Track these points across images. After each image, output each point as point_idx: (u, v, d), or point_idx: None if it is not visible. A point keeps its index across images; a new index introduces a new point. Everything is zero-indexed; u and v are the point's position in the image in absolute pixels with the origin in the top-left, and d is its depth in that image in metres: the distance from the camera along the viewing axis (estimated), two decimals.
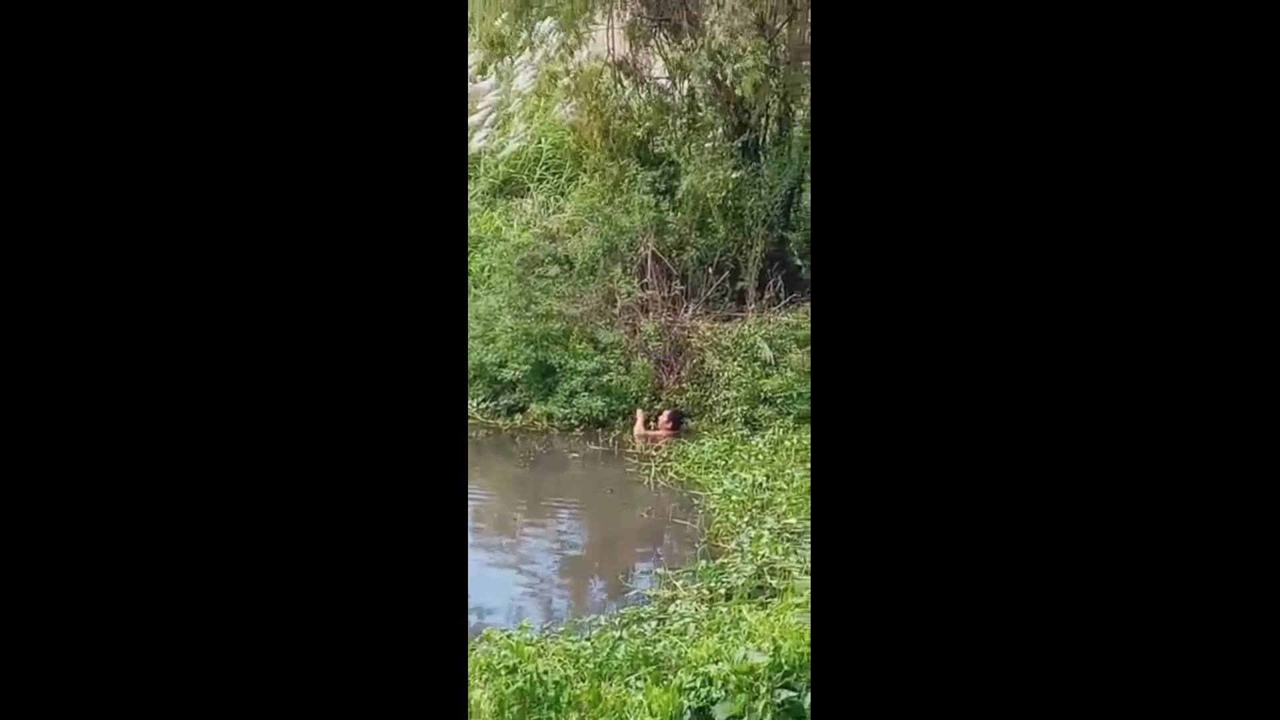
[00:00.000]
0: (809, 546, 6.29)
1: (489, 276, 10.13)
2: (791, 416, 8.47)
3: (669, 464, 8.06)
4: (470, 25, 12.41)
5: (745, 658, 4.52)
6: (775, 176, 9.54)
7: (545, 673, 4.79)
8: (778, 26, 9.40)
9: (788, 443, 8.14)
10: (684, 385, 9.03)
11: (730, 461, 7.96)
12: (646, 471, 7.96)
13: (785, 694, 4.34)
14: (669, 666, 4.93)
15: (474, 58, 12.07)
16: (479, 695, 4.67)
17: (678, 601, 5.89)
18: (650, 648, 5.14)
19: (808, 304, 9.33)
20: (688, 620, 5.54)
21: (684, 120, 9.80)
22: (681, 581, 6.15)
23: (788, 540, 6.50)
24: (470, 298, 9.59)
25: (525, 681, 4.66)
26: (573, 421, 8.88)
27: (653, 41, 9.92)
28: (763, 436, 8.32)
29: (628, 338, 9.24)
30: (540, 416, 8.94)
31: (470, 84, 12.61)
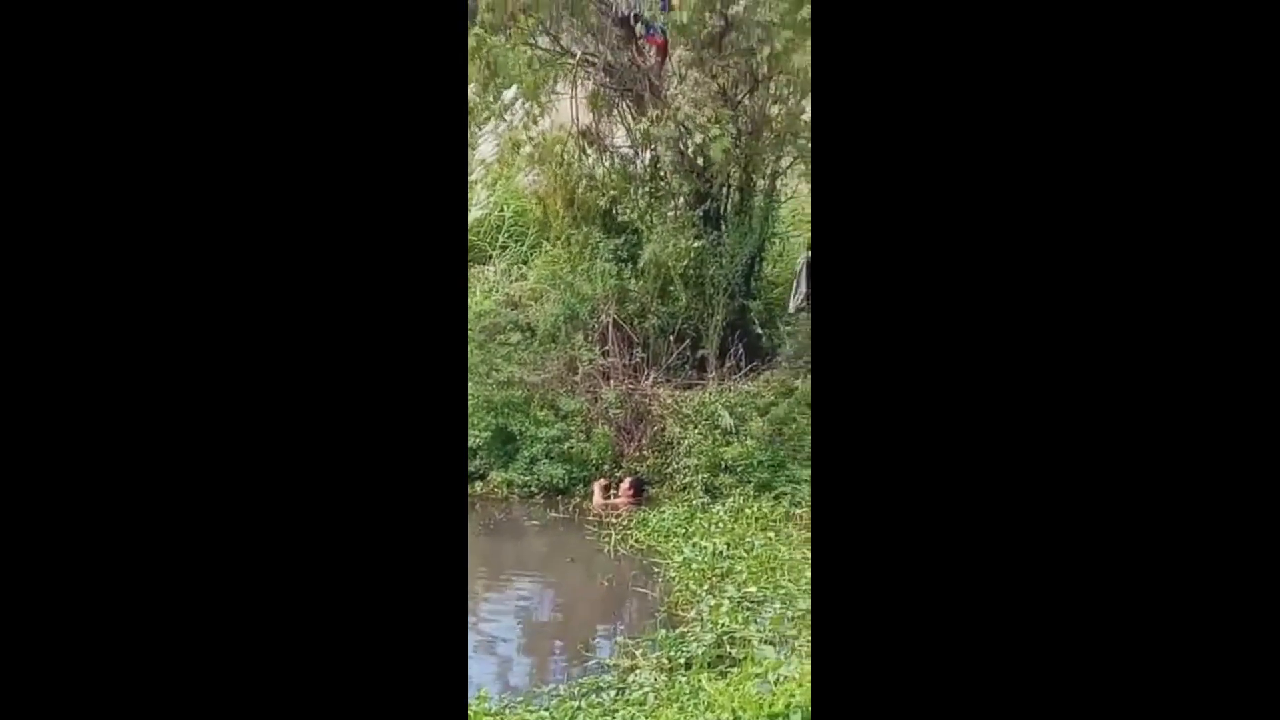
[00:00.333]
0: (769, 615, 6.28)
1: None
2: (752, 485, 8.46)
3: (629, 532, 8.03)
4: None
5: None
6: (736, 245, 9.61)
7: None
8: (739, 98, 9.51)
9: (748, 511, 8.13)
10: (645, 453, 9.02)
11: (690, 529, 7.93)
12: (607, 539, 7.92)
13: None
14: None
15: None
16: None
17: (637, 670, 5.84)
18: (609, 718, 5.09)
19: (768, 372, 9.38)
20: (647, 690, 5.50)
21: (647, 189, 9.87)
22: (641, 650, 6.11)
23: (747, 609, 6.48)
24: None
25: None
26: (533, 489, 8.84)
27: (615, 111, 10.00)
28: (723, 504, 8.30)
29: (589, 405, 9.23)
30: (500, 484, 8.89)
31: None
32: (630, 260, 9.79)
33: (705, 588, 6.89)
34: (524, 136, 9.72)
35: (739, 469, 8.60)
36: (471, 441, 8.93)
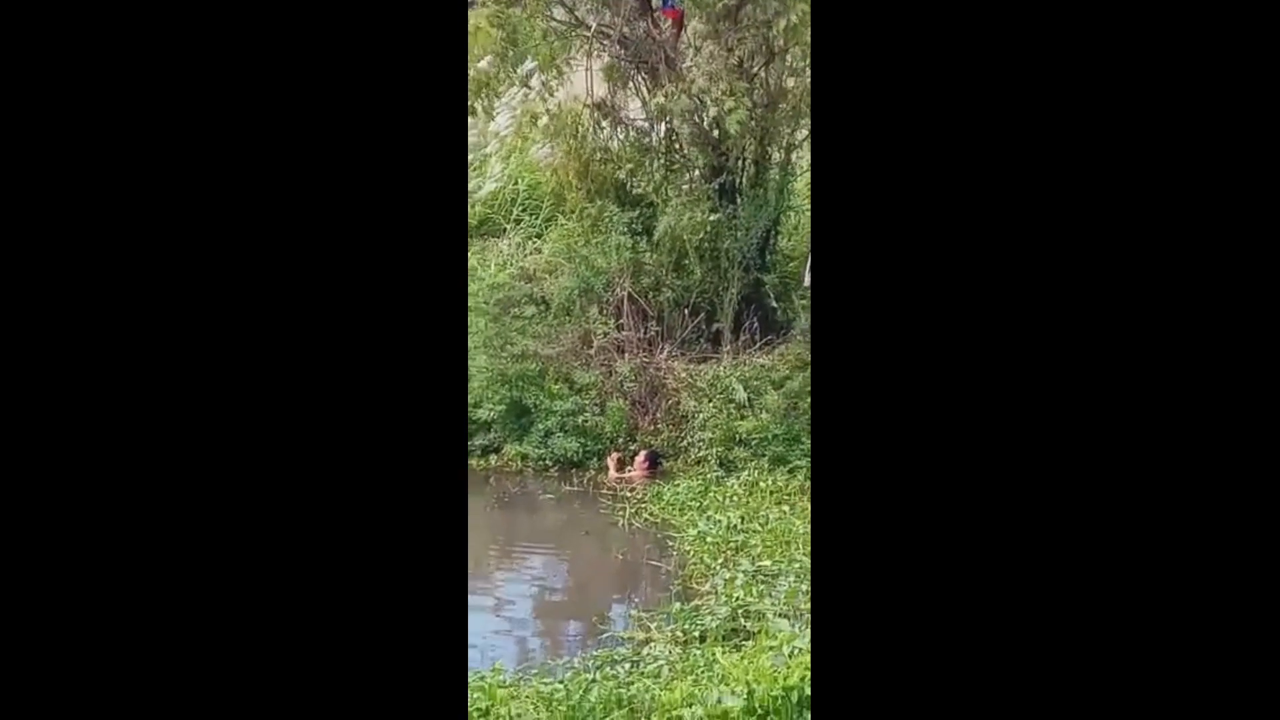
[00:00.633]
0: (783, 589, 6.28)
1: None
2: (766, 458, 8.47)
3: (644, 505, 8.04)
4: None
5: (719, 701, 4.49)
6: (751, 218, 9.58)
7: (518, 715, 4.77)
8: (755, 70, 9.47)
9: (762, 484, 8.13)
10: (659, 426, 9.02)
11: (705, 503, 7.94)
12: (621, 513, 7.94)
13: None
14: (642, 710, 4.89)
15: None
16: None
17: (652, 644, 5.86)
18: (624, 690, 5.10)
19: (783, 346, 9.36)
20: (661, 663, 5.50)
21: (661, 162, 9.84)
22: (656, 624, 6.12)
23: (762, 582, 6.48)
24: None
25: None
26: (547, 462, 8.85)
27: (630, 84, 9.97)
28: (737, 478, 8.31)
29: (603, 378, 9.23)
30: (515, 457, 8.91)
31: None
32: (645, 233, 9.76)
33: (720, 561, 6.89)
34: (541, 109, 9.70)
35: (753, 442, 8.60)
36: (486, 415, 8.94)
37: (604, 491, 8.44)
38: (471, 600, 6.88)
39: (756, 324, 9.53)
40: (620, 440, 8.96)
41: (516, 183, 12.11)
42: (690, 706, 4.60)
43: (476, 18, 9.00)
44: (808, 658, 4.68)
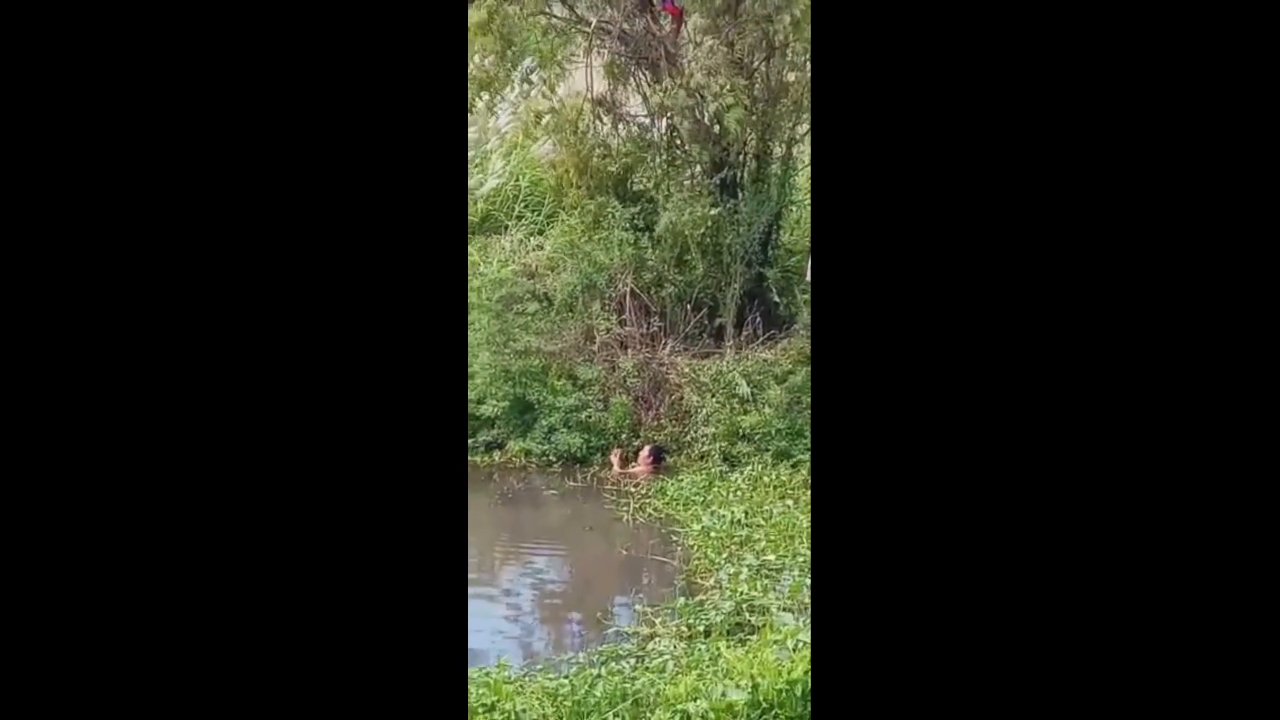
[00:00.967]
0: (787, 583, 6.29)
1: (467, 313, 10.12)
2: (769, 453, 8.48)
3: (647, 500, 8.05)
4: None
5: (724, 695, 4.50)
6: (753, 213, 9.58)
7: (523, 711, 4.77)
8: (755, 65, 9.46)
9: (766, 479, 8.14)
10: (662, 422, 9.03)
11: (709, 498, 7.95)
12: (625, 508, 7.95)
13: None
14: (647, 704, 4.90)
15: None
16: None
17: (656, 639, 5.86)
18: (629, 685, 5.11)
19: (785, 341, 9.36)
20: (666, 658, 5.51)
21: (663, 158, 9.84)
22: (660, 619, 6.13)
23: (766, 577, 6.50)
24: None
25: None
26: (551, 458, 8.86)
27: (631, 80, 9.97)
28: (741, 473, 8.32)
29: (606, 374, 9.24)
30: (518, 453, 8.92)
31: None
32: (647, 229, 9.77)
33: (724, 556, 6.90)
34: (543, 106, 9.70)
35: (757, 437, 8.61)
36: (489, 411, 8.95)
37: (608, 487, 8.45)
38: (476, 597, 6.91)
39: (759, 319, 9.53)
40: (624, 436, 8.97)
41: (518, 179, 12.12)
42: (695, 701, 4.60)
43: (475, 15, 9.01)
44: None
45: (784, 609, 5.93)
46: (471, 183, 12.38)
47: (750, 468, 8.36)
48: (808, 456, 8.25)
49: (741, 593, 6.24)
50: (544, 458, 8.87)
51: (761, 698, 4.43)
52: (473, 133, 12.67)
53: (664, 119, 9.77)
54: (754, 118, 9.33)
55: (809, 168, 10.22)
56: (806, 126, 9.78)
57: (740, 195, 9.70)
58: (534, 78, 9.90)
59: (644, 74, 9.82)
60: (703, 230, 9.44)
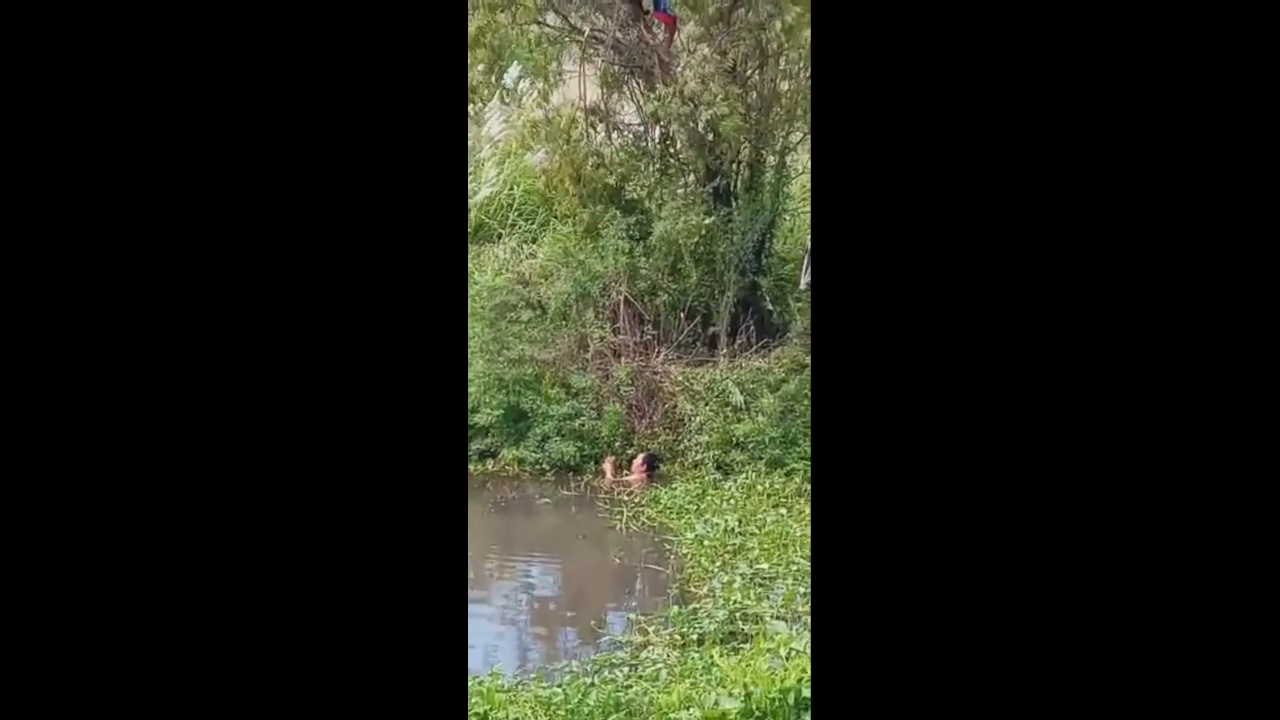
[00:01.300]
0: (780, 592, 6.29)
1: None
2: (763, 461, 8.48)
3: (641, 509, 8.04)
4: None
5: (717, 704, 4.51)
6: (747, 222, 9.58)
7: None
8: (748, 73, 9.48)
9: (759, 487, 8.14)
10: (656, 430, 9.03)
11: (702, 506, 7.95)
12: (619, 517, 7.94)
13: None
14: (641, 713, 4.90)
15: None
16: None
17: (650, 647, 5.87)
18: (622, 694, 5.11)
19: (779, 349, 9.36)
20: (660, 666, 5.52)
21: (656, 166, 9.85)
22: (654, 627, 6.13)
23: (760, 585, 6.50)
24: None
25: None
26: (544, 466, 8.85)
27: (625, 88, 9.98)
28: (734, 481, 8.32)
29: (600, 382, 9.23)
30: (512, 461, 8.91)
31: None
32: (641, 237, 9.77)
33: (717, 564, 6.90)
34: (536, 114, 9.71)
35: (750, 445, 8.61)
36: (483, 419, 8.95)
37: (601, 496, 8.45)
38: (469, 605, 6.90)
39: (752, 327, 9.54)
40: (617, 444, 8.97)
41: (511, 188, 12.13)
42: (688, 709, 4.61)
43: (469, 26, 9.01)
44: (805, 660, 4.69)
45: (777, 617, 5.93)
46: None
47: (744, 476, 8.36)
48: (801, 465, 8.26)
49: (735, 601, 6.24)
50: (537, 466, 8.86)
51: (755, 706, 4.44)
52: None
53: (657, 127, 9.77)
54: (747, 126, 9.34)
55: (802, 176, 10.26)
56: (800, 135, 9.80)
57: (734, 204, 9.71)
58: (521, 86, 9.90)
59: (637, 82, 9.83)
60: (697, 239, 9.44)
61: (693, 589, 6.68)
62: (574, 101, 9.96)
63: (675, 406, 9.07)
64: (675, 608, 6.29)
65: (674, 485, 8.40)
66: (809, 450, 8.32)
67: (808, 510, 7.54)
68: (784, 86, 9.61)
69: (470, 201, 12.11)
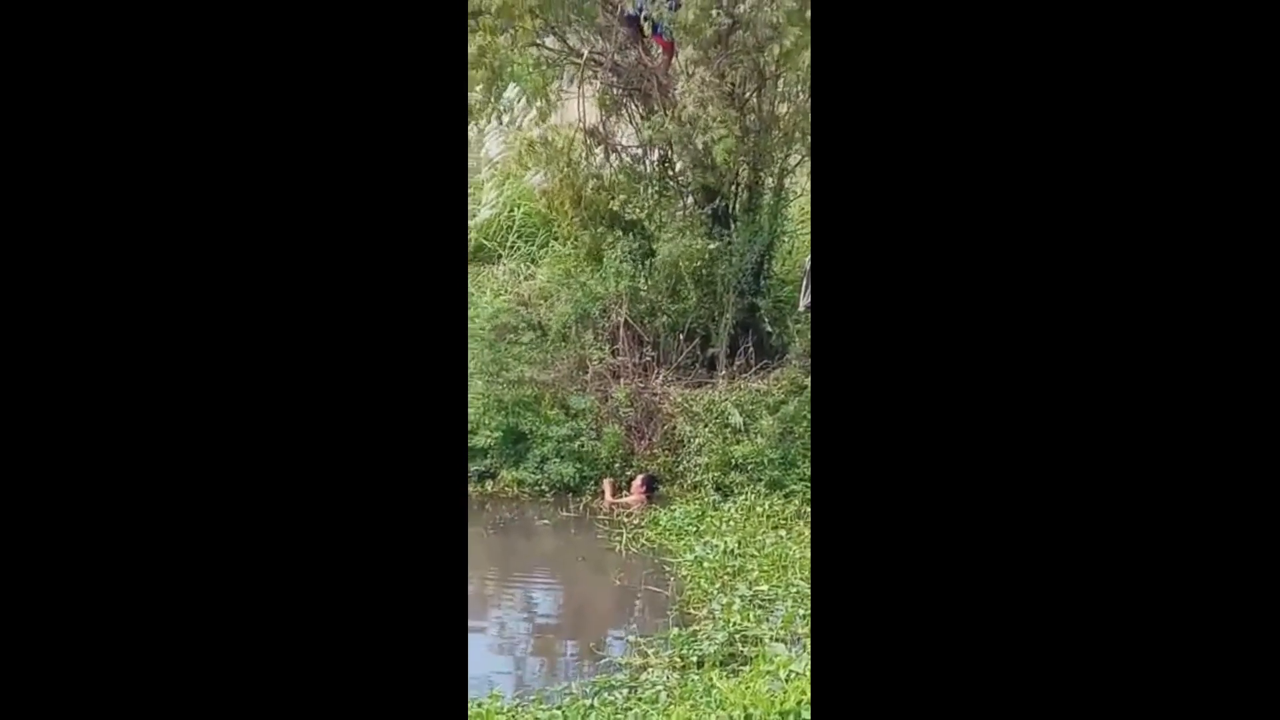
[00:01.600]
0: (780, 613, 6.28)
1: None
2: (762, 483, 8.47)
3: (640, 531, 8.04)
4: None
5: None
6: (746, 244, 9.60)
7: None
8: (746, 96, 9.51)
9: (759, 509, 8.14)
10: (655, 451, 9.03)
11: (702, 528, 7.94)
12: (618, 538, 7.94)
13: None
14: None
15: None
16: None
17: (649, 669, 5.86)
18: (621, 716, 5.11)
19: (778, 370, 9.37)
20: (659, 688, 5.51)
21: (654, 189, 9.87)
22: (653, 649, 6.12)
23: (759, 607, 6.49)
24: None
25: None
26: (543, 488, 8.85)
27: (623, 110, 10.01)
28: (734, 502, 8.31)
29: (599, 404, 9.24)
30: (511, 483, 8.90)
31: None
32: (640, 259, 9.79)
33: (717, 586, 6.90)
34: (534, 136, 9.74)
35: (749, 467, 8.61)
36: (482, 441, 8.94)
37: (600, 517, 8.44)
38: (469, 627, 6.89)
39: (751, 349, 9.55)
40: (616, 465, 8.97)
41: (511, 210, 12.16)
42: None
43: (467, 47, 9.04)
44: (805, 682, 4.69)
45: (777, 639, 5.93)
46: None
47: (743, 497, 8.36)
48: (800, 487, 8.26)
49: (734, 623, 6.23)
50: (536, 487, 8.86)
51: None
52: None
53: (656, 150, 9.80)
54: (745, 149, 9.36)
55: (801, 198, 10.27)
56: (798, 157, 9.82)
57: (732, 226, 9.73)
58: (518, 106, 9.92)
59: (635, 105, 9.86)
60: (697, 261, 9.46)
61: (692, 611, 6.67)
62: (572, 123, 9.99)
63: (674, 428, 9.08)
64: (675, 629, 6.29)
65: (673, 507, 8.39)
66: (808, 472, 8.32)
67: (807, 532, 7.54)
68: (782, 109, 9.64)
69: (470, 223, 12.15)
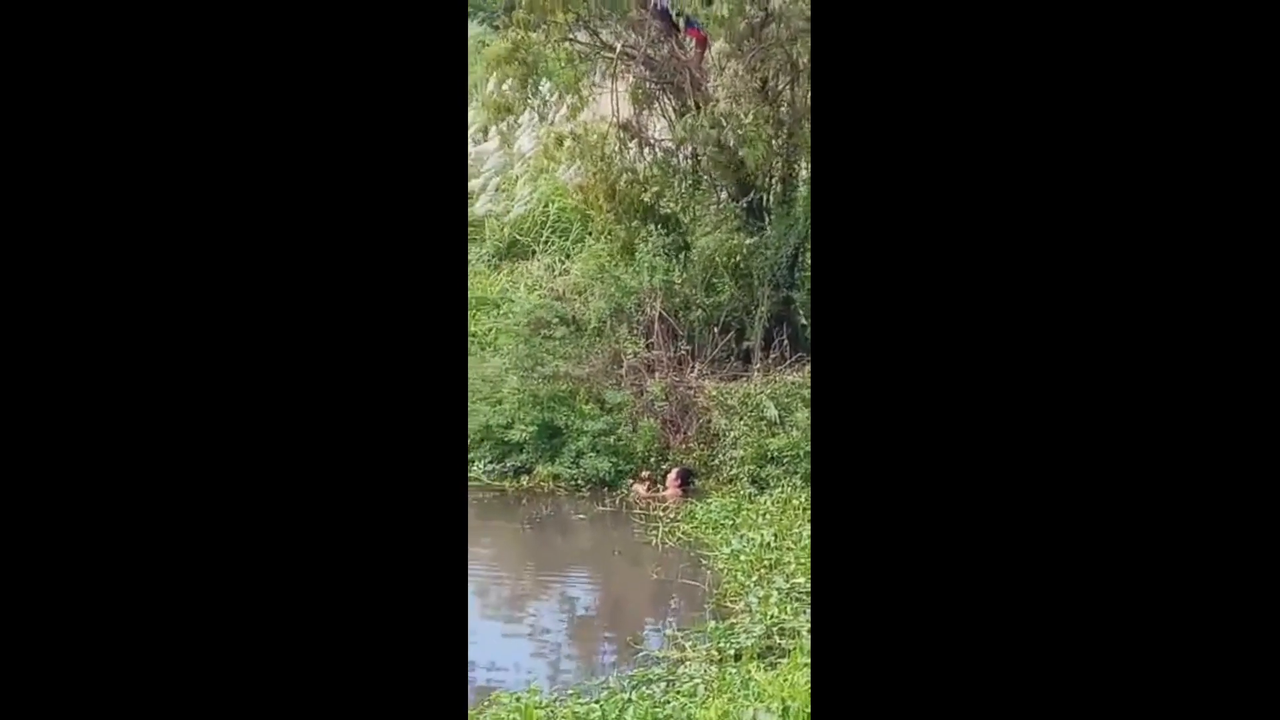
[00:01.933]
0: None
1: (495, 338, 10.18)
2: (798, 475, 8.45)
3: (676, 524, 8.04)
4: (471, 91, 12.56)
5: (755, 718, 4.49)
6: (780, 237, 9.58)
7: None
8: (780, 88, 9.49)
9: (795, 502, 8.12)
10: (690, 445, 9.02)
11: (738, 521, 7.93)
12: (654, 532, 7.94)
13: None
14: None
15: (475, 121, 12.19)
16: None
17: (687, 662, 5.86)
18: (659, 710, 5.11)
19: None
20: (697, 681, 5.51)
21: (689, 183, 9.86)
22: (690, 642, 6.12)
23: (796, 600, 6.47)
24: (477, 359, 9.62)
25: None
26: (579, 482, 8.86)
27: (656, 104, 10.01)
28: (770, 496, 8.30)
29: (634, 398, 9.24)
30: (547, 478, 8.91)
31: (473, 146, 12.75)
32: (675, 253, 9.79)
33: (754, 579, 6.89)
34: (565, 131, 9.75)
35: (785, 460, 8.59)
36: (517, 435, 8.97)
37: (636, 511, 8.45)
38: (506, 623, 6.92)
39: (786, 341, 9.53)
40: (652, 459, 8.97)
41: (546, 205, 12.18)
42: None
43: (501, 45, 9.08)
44: None
45: None
46: (498, 209, 12.45)
47: (779, 490, 8.35)
48: None
49: (772, 616, 6.23)
50: (572, 482, 8.87)
51: None
52: (499, 158, 12.78)
53: (689, 144, 9.79)
54: (779, 142, 9.34)
55: None
56: None
57: (767, 219, 9.71)
58: (554, 101, 9.94)
59: (669, 98, 9.86)
60: (732, 255, 9.45)
61: (729, 604, 6.67)
62: (605, 117, 10.00)
63: (710, 421, 9.07)
64: (712, 623, 6.29)
65: (709, 500, 8.39)
66: None
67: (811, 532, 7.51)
68: None
69: (505, 219, 12.19)
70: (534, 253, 11.85)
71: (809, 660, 5.07)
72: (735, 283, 9.65)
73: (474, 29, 15.96)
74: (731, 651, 5.90)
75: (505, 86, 9.26)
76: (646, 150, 10.11)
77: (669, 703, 5.24)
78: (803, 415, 8.75)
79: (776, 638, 6.01)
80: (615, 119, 9.96)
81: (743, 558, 7.22)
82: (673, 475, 8.71)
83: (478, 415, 8.91)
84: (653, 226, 9.89)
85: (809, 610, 6.24)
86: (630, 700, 5.28)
